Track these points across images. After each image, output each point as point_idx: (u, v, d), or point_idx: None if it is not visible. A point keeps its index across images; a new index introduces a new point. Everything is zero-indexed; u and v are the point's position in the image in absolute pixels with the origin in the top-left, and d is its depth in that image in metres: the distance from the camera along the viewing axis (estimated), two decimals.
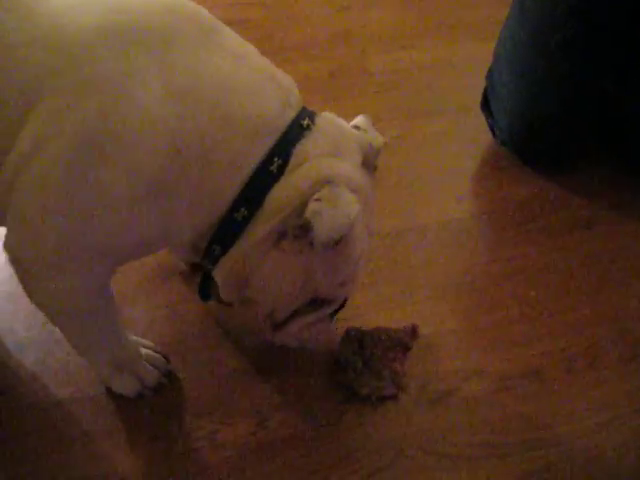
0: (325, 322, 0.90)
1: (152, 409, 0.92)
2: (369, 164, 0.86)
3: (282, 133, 0.77)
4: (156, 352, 0.96)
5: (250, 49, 0.81)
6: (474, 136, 1.38)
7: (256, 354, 0.99)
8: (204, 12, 0.79)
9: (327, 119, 0.83)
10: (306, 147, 0.78)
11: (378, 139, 0.87)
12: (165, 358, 0.96)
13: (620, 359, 1.03)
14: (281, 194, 0.77)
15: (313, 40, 1.67)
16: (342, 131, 0.83)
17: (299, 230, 0.76)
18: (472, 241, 1.18)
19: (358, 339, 0.98)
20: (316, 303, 0.86)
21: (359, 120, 0.89)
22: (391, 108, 1.44)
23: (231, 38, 0.79)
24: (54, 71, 0.69)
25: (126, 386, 0.92)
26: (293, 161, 0.77)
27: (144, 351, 0.94)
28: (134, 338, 0.95)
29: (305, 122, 0.79)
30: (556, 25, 1.19)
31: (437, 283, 1.10)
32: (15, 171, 0.70)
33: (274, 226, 0.77)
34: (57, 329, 0.86)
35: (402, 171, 1.30)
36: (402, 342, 0.99)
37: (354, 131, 0.86)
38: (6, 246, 0.76)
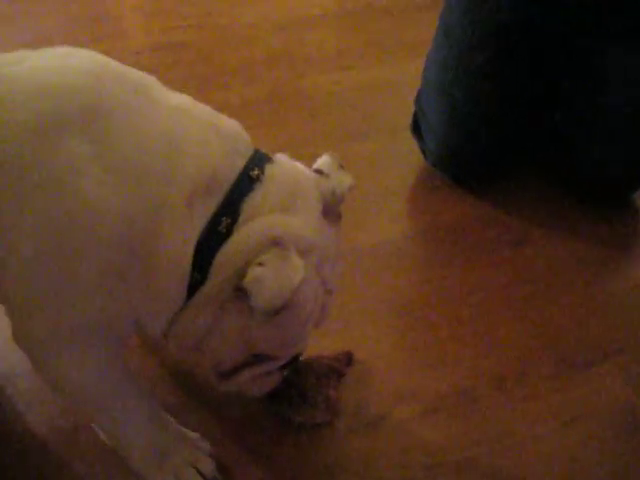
0: (273, 375, 0.87)
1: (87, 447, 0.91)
2: (332, 212, 0.81)
3: (229, 188, 0.74)
4: (210, 456, 0.90)
5: (184, 99, 0.78)
6: (408, 157, 1.40)
7: (192, 387, 0.99)
8: (126, 69, 0.77)
9: (280, 166, 0.78)
10: (255, 201, 0.74)
11: (343, 184, 0.81)
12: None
13: (549, 374, 1.05)
14: (226, 255, 0.73)
15: (251, 62, 1.68)
16: (297, 180, 0.78)
17: (240, 292, 0.73)
18: (405, 262, 1.20)
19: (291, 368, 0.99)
20: (263, 358, 0.83)
21: (323, 161, 0.83)
22: (325, 131, 1.46)
23: (162, 91, 0.77)
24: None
25: None
26: (241, 218, 0.73)
27: (194, 452, 0.89)
28: (182, 433, 0.90)
29: (255, 173, 0.75)
30: (477, 47, 1.24)
31: (370, 306, 1.12)
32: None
33: (217, 288, 0.74)
34: None
35: None
36: (336, 369, 1.00)
37: (312, 177, 0.80)
38: (13, 337, 0.77)
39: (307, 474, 0.91)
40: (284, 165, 0.79)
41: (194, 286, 0.74)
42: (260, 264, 0.70)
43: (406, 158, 1.41)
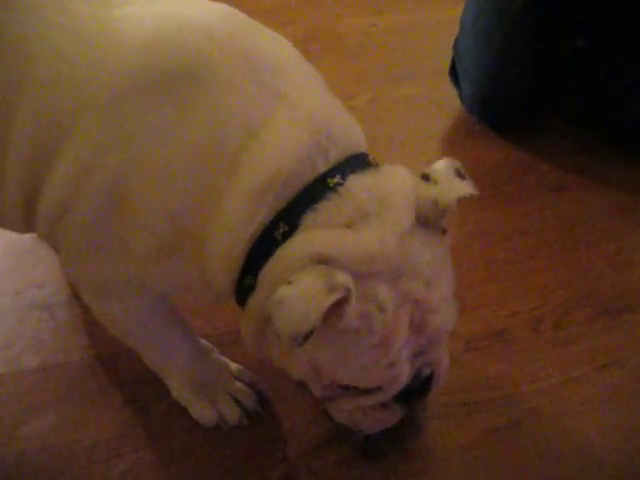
0: (386, 411, 0.78)
1: (125, 375, 0.93)
2: (435, 224, 0.69)
3: (297, 194, 0.66)
4: (252, 387, 0.90)
5: (308, 89, 0.71)
6: (446, 101, 1.38)
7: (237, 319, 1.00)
8: (260, 40, 0.71)
9: (372, 176, 0.69)
10: (319, 212, 0.66)
11: (450, 194, 0.68)
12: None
13: (585, 319, 1.05)
14: (269, 268, 0.67)
15: (285, 5, 1.65)
16: (385, 192, 0.67)
17: None
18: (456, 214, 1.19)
19: None
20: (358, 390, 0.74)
21: (437, 165, 0.71)
22: (364, 72, 1.44)
23: (283, 75, 0.69)
24: (85, 113, 0.67)
25: (201, 414, 0.88)
26: (300, 229, 0.66)
27: (236, 383, 0.89)
28: (224, 365, 0.91)
29: (334, 181, 0.66)
30: None
31: None
32: (56, 215, 0.71)
33: (260, 302, 0.68)
34: (29, 297, 0.86)
35: (374, 135, 1.29)
36: None
37: (410, 185, 0.69)
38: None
39: None
40: (379, 176, 0.69)
41: (247, 290, 0.69)
42: (289, 282, 0.62)
43: (444, 103, 1.39)
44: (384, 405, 0.76)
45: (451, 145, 1.32)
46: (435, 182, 0.68)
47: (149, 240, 0.69)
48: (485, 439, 0.90)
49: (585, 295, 1.08)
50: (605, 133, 1.34)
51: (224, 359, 0.92)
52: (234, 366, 0.92)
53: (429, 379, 0.77)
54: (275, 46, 0.73)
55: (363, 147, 0.74)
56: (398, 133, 1.31)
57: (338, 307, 0.62)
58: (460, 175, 0.70)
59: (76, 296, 0.96)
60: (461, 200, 0.68)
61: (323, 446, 0.87)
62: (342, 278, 0.61)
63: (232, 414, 0.88)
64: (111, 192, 0.67)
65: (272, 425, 0.89)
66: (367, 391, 0.73)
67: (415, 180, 0.69)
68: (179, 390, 0.88)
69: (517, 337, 1.02)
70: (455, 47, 1.36)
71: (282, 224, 0.66)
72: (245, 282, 0.69)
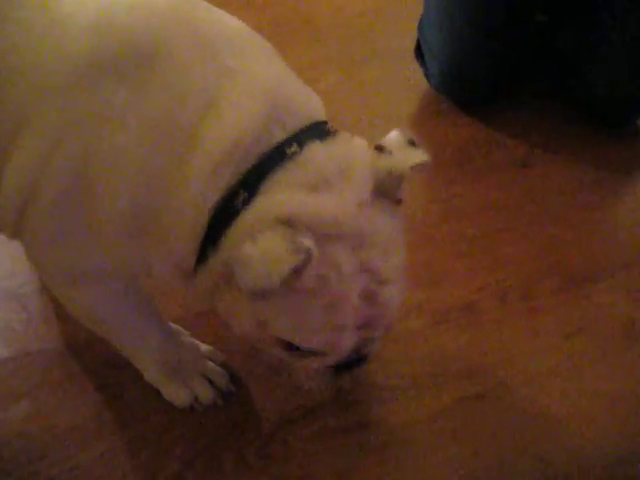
0: (325, 375, 0.79)
1: (98, 360, 0.94)
2: (391, 195, 0.71)
3: (256, 161, 0.67)
4: (223, 367, 0.92)
5: (261, 60, 0.72)
6: (412, 81, 1.39)
7: None
8: (212, 17, 0.72)
9: (329, 144, 0.70)
10: (279, 178, 0.67)
11: (403, 163, 0.69)
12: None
13: (552, 289, 1.08)
14: (232, 232, 0.67)
15: None
16: (342, 160, 0.69)
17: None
18: (411, 183, 1.21)
19: None
20: (300, 349, 0.74)
21: (389, 137, 0.72)
22: (331, 55, 1.44)
23: (234, 48, 0.70)
24: (40, 101, 0.67)
25: (174, 396, 0.90)
26: (260, 194, 0.67)
27: (208, 364, 0.91)
28: (195, 346, 0.92)
29: (292, 149, 0.68)
30: None
31: None
32: (20, 204, 0.71)
33: (219, 264, 0.69)
34: (0, 288, 0.87)
35: (341, 118, 1.31)
36: None
37: (366, 155, 0.70)
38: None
39: None
40: (338, 145, 0.70)
41: (207, 257, 0.70)
42: (254, 240, 0.63)
43: (411, 83, 1.40)
44: (321, 369, 0.78)
45: (419, 124, 1.33)
46: (389, 153, 0.70)
47: (115, 222, 0.69)
48: (454, 409, 0.92)
49: (551, 267, 1.11)
50: (571, 108, 1.36)
51: (194, 340, 0.93)
52: (205, 347, 0.93)
53: (360, 360, 0.78)
54: (224, 21, 0.73)
55: (321, 115, 0.75)
56: (366, 114, 1.31)
57: (298, 270, 0.63)
58: (412, 144, 0.71)
59: (47, 286, 0.97)
60: (415, 168, 0.69)
61: (296, 421, 0.89)
62: (306, 241, 0.62)
63: (205, 394, 0.89)
64: (74, 177, 0.68)
65: (245, 403, 0.91)
66: (305, 355, 0.74)
67: (370, 152, 0.70)
68: (151, 373, 0.90)
69: (485, 309, 1.04)
70: (420, 27, 1.37)
71: (242, 192, 0.67)
72: (207, 252, 0.69)
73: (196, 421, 0.89)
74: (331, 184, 0.67)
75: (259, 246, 0.63)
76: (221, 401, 0.90)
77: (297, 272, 0.62)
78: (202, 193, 0.67)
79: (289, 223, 0.64)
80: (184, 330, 0.93)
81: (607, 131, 1.34)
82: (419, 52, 1.38)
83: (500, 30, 1.28)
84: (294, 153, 0.67)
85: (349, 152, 0.70)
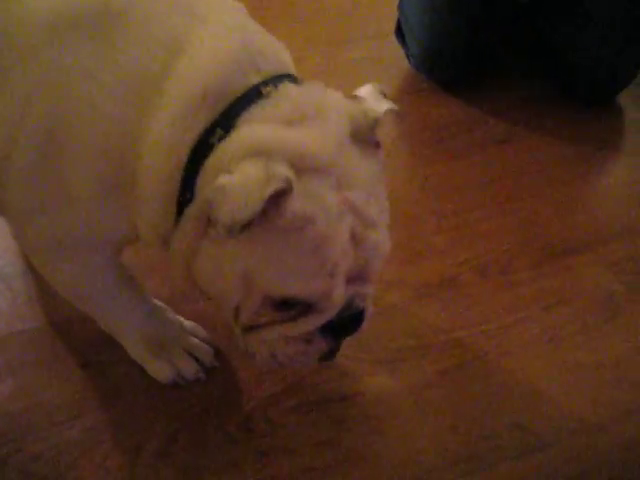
0: (308, 344, 0.74)
1: (82, 339, 0.94)
2: (364, 139, 0.70)
3: (232, 102, 0.67)
4: (207, 342, 0.92)
5: (231, 11, 0.72)
6: (393, 62, 1.40)
7: None
8: None
9: (302, 87, 0.70)
10: (255, 114, 0.66)
11: (377, 108, 0.71)
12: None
13: (531, 263, 1.09)
14: (208, 169, 0.66)
15: None
16: (317, 100, 0.69)
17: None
18: (391, 161, 1.22)
19: None
20: (290, 309, 0.70)
21: (363, 89, 0.75)
22: (311, 37, 1.45)
23: (205, 2, 0.71)
24: (12, 59, 0.68)
25: (158, 372, 0.90)
26: (235, 130, 0.66)
27: (191, 340, 0.91)
28: (178, 323, 0.92)
29: (267, 89, 0.67)
30: None
31: None
32: (2, 165, 0.71)
33: (199, 207, 0.66)
34: None
35: None
36: None
37: (341, 100, 0.71)
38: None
39: None
40: (313, 88, 0.71)
41: (184, 205, 0.68)
42: (230, 171, 0.62)
43: (392, 63, 1.41)
44: (308, 340, 0.73)
45: (399, 103, 1.29)
46: (363, 100, 0.72)
47: (91, 182, 0.69)
48: (434, 381, 0.94)
49: (530, 241, 1.12)
50: (551, 86, 1.38)
51: (178, 317, 0.94)
52: (188, 323, 0.94)
53: (357, 318, 0.74)
54: None
55: (293, 71, 0.75)
56: (347, 94, 1.32)
57: (278, 202, 0.62)
58: (385, 96, 0.73)
59: (30, 266, 0.97)
60: (388, 114, 0.70)
61: (278, 395, 0.90)
62: (282, 169, 0.61)
63: (189, 369, 0.90)
64: (47, 135, 0.68)
65: (228, 378, 0.92)
66: (297, 316, 0.71)
67: (345, 99, 0.72)
68: (135, 350, 0.90)
69: (465, 283, 1.05)
70: (400, 7, 1.38)
71: (218, 130, 0.66)
72: (184, 196, 0.68)
73: (180, 396, 0.90)
74: (308, 120, 0.66)
75: (235, 176, 0.61)
76: (204, 376, 0.91)
77: (277, 203, 0.61)
78: (177, 138, 0.66)
79: (266, 154, 0.63)
80: (167, 306, 0.94)
81: (586, 109, 1.35)
82: (399, 32, 1.39)
83: (480, 12, 1.29)
84: (270, 92, 0.67)
85: (324, 96, 0.70)
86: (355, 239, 0.68)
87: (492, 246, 1.10)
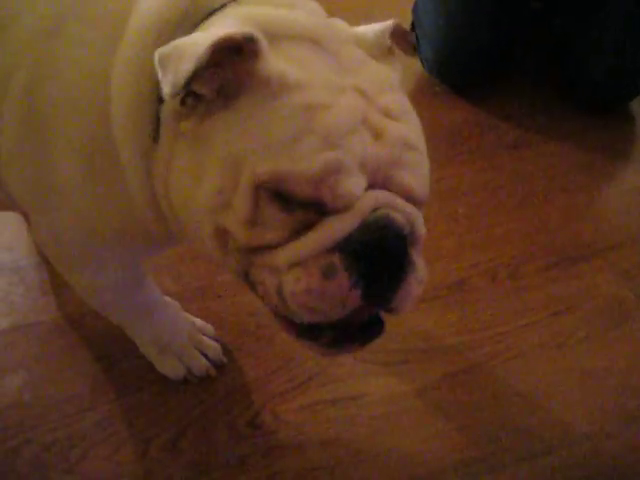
0: (328, 281, 0.54)
1: (94, 333, 0.95)
2: (371, 47, 0.65)
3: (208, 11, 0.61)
4: (215, 339, 0.94)
5: None
6: (407, 65, 1.40)
7: (195, 275, 1.03)
8: None
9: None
10: (234, 7, 0.60)
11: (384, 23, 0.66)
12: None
13: (540, 269, 1.09)
14: None
15: None
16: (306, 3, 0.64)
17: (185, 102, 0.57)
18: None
19: None
20: (293, 210, 0.55)
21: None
22: None
23: None
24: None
25: (169, 369, 0.91)
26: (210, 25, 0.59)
27: (201, 337, 0.93)
28: (189, 321, 0.94)
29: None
30: None
31: None
32: None
33: (165, 115, 0.59)
34: None
35: None
36: None
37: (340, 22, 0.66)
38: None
39: (306, 355, 0.95)
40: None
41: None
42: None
43: (405, 66, 1.38)
44: (327, 273, 0.54)
45: (412, 106, 1.34)
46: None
47: (75, 157, 0.65)
48: (442, 383, 0.94)
49: (540, 246, 1.12)
50: (563, 92, 1.38)
51: (188, 315, 0.95)
52: (198, 321, 0.95)
53: (393, 236, 0.56)
54: None
55: None
56: None
57: (252, 66, 0.55)
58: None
59: (44, 259, 0.98)
60: (397, 27, 0.66)
61: (286, 393, 0.91)
62: (246, 29, 0.54)
63: (198, 366, 0.91)
64: (28, 102, 0.65)
65: (237, 376, 0.93)
66: (307, 226, 0.55)
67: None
68: (146, 346, 0.91)
69: (475, 287, 1.06)
70: (414, 10, 1.39)
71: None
72: (157, 134, 0.60)
73: (189, 392, 0.91)
74: (298, 8, 0.61)
75: (194, 35, 0.57)
76: (214, 372, 0.92)
77: (251, 69, 0.54)
78: (139, 66, 0.60)
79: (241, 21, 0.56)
80: (178, 304, 0.95)
81: (597, 115, 1.36)
82: (413, 35, 1.40)
83: (494, 16, 1.30)
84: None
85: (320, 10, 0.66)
86: (370, 127, 0.56)
87: (502, 251, 1.11)
